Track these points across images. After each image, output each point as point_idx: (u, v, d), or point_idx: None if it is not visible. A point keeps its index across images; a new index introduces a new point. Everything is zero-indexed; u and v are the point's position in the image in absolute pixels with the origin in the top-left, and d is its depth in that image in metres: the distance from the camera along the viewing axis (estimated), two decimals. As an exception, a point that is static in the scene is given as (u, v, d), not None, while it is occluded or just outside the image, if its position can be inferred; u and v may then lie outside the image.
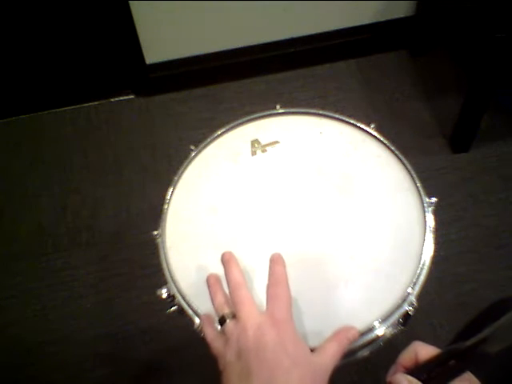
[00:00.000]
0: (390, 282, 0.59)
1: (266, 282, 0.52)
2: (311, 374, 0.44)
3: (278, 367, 0.43)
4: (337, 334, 0.49)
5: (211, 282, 0.55)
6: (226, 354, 0.46)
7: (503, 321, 0.40)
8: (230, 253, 0.55)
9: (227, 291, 0.52)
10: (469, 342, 0.42)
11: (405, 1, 1.69)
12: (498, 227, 1.38)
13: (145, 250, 1.35)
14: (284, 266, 0.51)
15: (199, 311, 0.58)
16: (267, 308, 0.48)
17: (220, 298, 0.52)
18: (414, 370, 0.47)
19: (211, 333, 0.51)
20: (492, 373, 0.53)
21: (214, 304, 0.53)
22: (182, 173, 0.73)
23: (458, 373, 0.43)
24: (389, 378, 0.47)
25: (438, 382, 0.44)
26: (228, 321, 0.49)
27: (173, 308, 0.62)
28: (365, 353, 0.60)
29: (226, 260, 0.54)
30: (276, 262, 0.51)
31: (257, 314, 0.47)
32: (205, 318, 0.54)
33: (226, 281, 0.53)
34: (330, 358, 0.46)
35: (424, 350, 0.48)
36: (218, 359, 0.48)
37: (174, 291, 0.61)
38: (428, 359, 0.47)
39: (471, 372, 0.46)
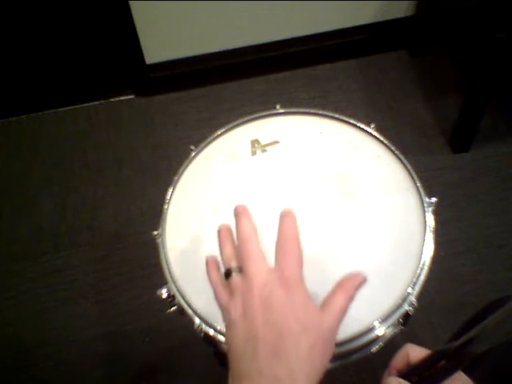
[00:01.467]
0: (390, 282, 0.59)
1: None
2: (322, 339, 0.42)
3: (287, 333, 0.40)
4: (342, 283, 0.45)
5: (222, 233, 0.52)
6: (231, 309, 0.44)
7: (487, 322, 0.40)
8: (244, 206, 0.51)
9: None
10: (457, 343, 0.42)
11: (405, 1, 1.69)
12: (498, 227, 1.38)
13: (145, 250, 1.35)
14: (295, 220, 0.46)
15: (199, 311, 0.58)
16: (276, 265, 0.44)
17: (228, 250, 0.50)
18: (406, 372, 0.47)
19: (215, 278, 0.49)
20: (484, 372, 0.53)
21: (221, 256, 0.50)
22: (182, 173, 0.73)
23: (448, 373, 0.43)
24: (382, 382, 0.47)
25: (430, 382, 0.45)
26: (234, 274, 0.46)
27: (173, 308, 0.62)
28: (365, 353, 0.60)
29: (239, 212, 0.50)
30: (287, 215, 0.47)
31: (265, 270, 0.44)
32: (210, 261, 0.52)
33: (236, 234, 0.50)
34: (337, 313, 0.43)
35: (415, 352, 0.48)
36: (223, 312, 0.46)
37: (174, 291, 0.61)
38: (419, 361, 0.47)
39: (463, 371, 0.46)
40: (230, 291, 0.46)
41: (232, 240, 0.51)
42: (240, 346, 0.42)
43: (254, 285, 0.43)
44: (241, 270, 0.46)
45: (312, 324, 0.42)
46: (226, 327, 0.45)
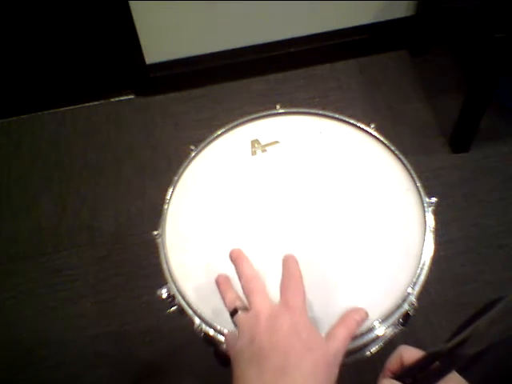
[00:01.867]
0: (390, 282, 0.59)
1: (266, 277, 0.52)
2: (324, 359, 0.44)
3: (292, 351, 0.43)
4: (344, 317, 0.49)
5: (221, 280, 0.55)
6: (237, 344, 0.46)
7: (479, 323, 0.40)
8: (239, 249, 0.54)
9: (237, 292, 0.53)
10: (449, 344, 0.42)
11: (405, 1, 1.69)
12: (498, 227, 1.38)
13: (145, 250, 1.35)
14: (297, 264, 0.51)
15: (199, 311, 0.58)
16: (281, 298, 0.48)
17: (231, 294, 0.52)
18: (400, 374, 0.47)
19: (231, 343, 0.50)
20: (479, 372, 0.53)
21: (225, 301, 0.52)
22: (182, 173, 0.73)
23: (442, 374, 0.43)
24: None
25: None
26: (240, 312, 0.49)
27: (173, 308, 0.62)
28: (365, 353, 0.60)
29: (236, 256, 0.54)
30: (290, 259, 0.51)
31: (270, 302, 0.48)
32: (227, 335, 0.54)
33: (237, 277, 0.52)
34: (340, 342, 0.46)
35: (408, 353, 0.48)
36: (229, 351, 0.48)
37: (174, 291, 0.61)
38: (413, 362, 0.47)
39: (458, 372, 0.46)
40: (236, 332, 0.48)
41: (232, 286, 0.54)
42: (247, 368, 0.44)
43: (260, 316, 0.46)
44: (246, 308, 0.49)
45: (315, 344, 0.44)
46: (232, 360, 0.46)
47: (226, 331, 0.53)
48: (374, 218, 0.65)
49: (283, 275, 0.50)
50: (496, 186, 1.46)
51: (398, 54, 1.81)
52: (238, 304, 0.50)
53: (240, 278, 0.52)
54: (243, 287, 0.51)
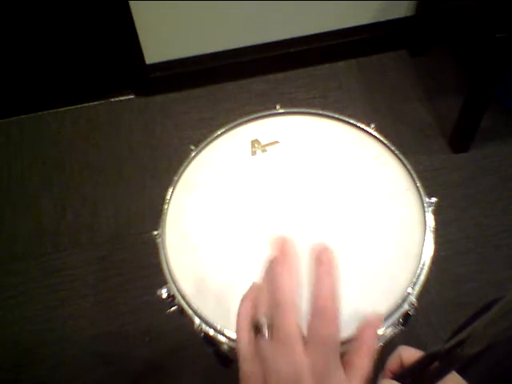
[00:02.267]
0: (390, 282, 0.59)
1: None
2: None
3: None
4: (360, 340, 0.40)
5: (243, 311, 0.41)
6: (252, 378, 0.38)
7: (477, 323, 0.40)
8: (291, 241, 0.40)
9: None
10: (448, 345, 0.42)
11: (405, 1, 1.69)
12: (498, 227, 1.38)
13: (145, 250, 1.35)
14: (335, 271, 0.39)
15: (199, 311, 0.58)
16: (310, 327, 0.37)
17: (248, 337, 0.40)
18: (400, 375, 0.47)
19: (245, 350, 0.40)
20: (479, 372, 0.53)
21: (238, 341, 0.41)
22: (182, 173, 0.73)
23: (441, 374, 0.43)
24: None
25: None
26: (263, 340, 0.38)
27: (173, 308, 0.63)
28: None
29: (280, 261, 0.40)
30: (326, 280, 0.38)
31: (300, 331, 0.37)
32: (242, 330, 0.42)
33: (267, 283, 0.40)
34: (365, 373, 0.39)
35: (407, 354, 0.48)
36: (241, 365, 0.39)
37: (174, 291, 0.61)
38: (412, 363, 0.47)
39: (457, 372, 0.46)
40: (259, 363, 0.38)
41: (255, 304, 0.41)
42: None
43: (281, 369, 0.36)
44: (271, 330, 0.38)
45: None
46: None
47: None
48: (373, 217, 0.65)
49: (315, 287, 0.38)
50: (496, 186, 1.46)
51: (398, 53, 1.81)
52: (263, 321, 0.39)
53: (275, 284, 0.39)
54: (275, 299, 0.38)
